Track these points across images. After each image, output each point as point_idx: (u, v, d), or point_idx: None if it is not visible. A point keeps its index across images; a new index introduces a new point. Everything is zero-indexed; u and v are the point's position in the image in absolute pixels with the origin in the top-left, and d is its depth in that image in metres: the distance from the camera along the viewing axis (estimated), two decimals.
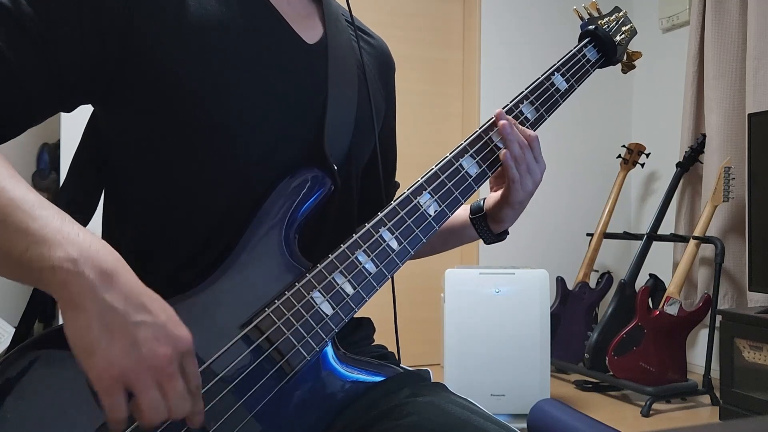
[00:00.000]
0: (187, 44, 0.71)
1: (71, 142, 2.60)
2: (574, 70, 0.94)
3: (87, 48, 0.67)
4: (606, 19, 0.99)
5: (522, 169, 0.84)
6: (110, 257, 0.57)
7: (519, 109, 0.88)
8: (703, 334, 3.00)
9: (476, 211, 0.93)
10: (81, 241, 0.56)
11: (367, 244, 0.74)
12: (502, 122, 0.83)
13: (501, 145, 0.85)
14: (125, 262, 0.59)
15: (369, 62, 0.89)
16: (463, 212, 0.95)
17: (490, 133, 0.85)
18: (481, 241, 0.95)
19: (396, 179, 1.03)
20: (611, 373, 2.60)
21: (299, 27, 0.80)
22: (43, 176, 3.10)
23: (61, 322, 0.59)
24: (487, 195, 0.94)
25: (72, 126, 2.56)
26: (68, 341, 0.56)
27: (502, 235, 0.95)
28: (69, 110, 0.73)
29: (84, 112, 0.77)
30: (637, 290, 2.69)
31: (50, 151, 3.15)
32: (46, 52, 0.65)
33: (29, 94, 0.66)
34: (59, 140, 2.68)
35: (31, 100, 0.67)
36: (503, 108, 0.87)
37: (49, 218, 0.56)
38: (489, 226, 0.93)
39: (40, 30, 0.65)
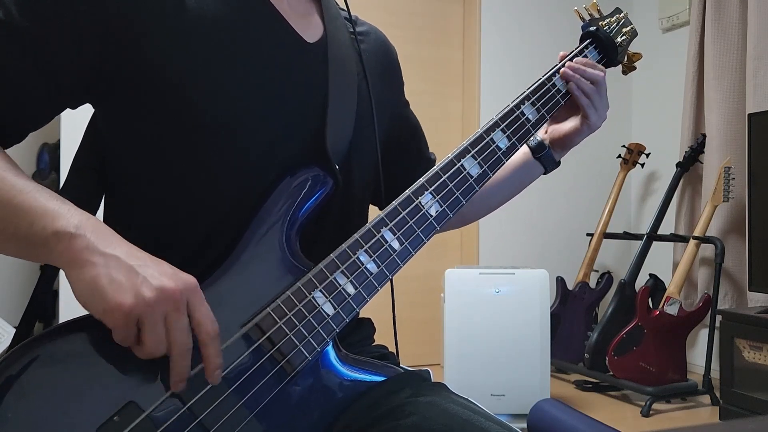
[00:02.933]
0: (186, 44, 0.71)
1: (71, 142, 2.60)
2: None
3: (84, 52, 0.68)
4: (607, 21, 0.99)
5: (595, 99, 0.94)
6: (106, 227, 0.63)
7: (521, 110, 0.88)
8: (703, 334, 3.00)
9: (539, 150, 1.01)
10: (80, 214, 0.62)
11: (368, 245, 0.74)
12: (563, 69, 0.93)
13: (502, 146, 0.85)
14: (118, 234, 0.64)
15: (369, 59, 0.89)
16: (521, 154, 1.02)
17: (492, 134, 0.85)
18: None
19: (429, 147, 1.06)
20: (611, 373, 2.60)
21: (299, 26, 0.80)
22: (43, 176, 3.10)
23: (61, 321, 0.60)
24: (549, 129, 1.02)
25: (72, 126, 2.56)
26: (78, 299, 0.60)
27: (559, 162, 1.04)
28: (74, 108, 0.74)
29: (84, 111, 0.77)
30: (637, 290, 2.69)
31: (50, 151, 3.15)
32: (42, 58, 0.66)
33: (28, 100, 0.67)
34: (59, 140, 2.68)
35: (31, 106, 0.68)
36: (505, 108, 0.87)
37: (49, 198, 0.63)
38: (554, 157, 1.02)
39: (35, 37, 0.66)
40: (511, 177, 1.03)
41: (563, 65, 0.94)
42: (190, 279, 0.62)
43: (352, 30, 0.89)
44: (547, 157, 1.01)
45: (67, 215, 0.61)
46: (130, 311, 0.58)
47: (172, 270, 0.62)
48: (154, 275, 0.60)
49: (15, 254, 0.65)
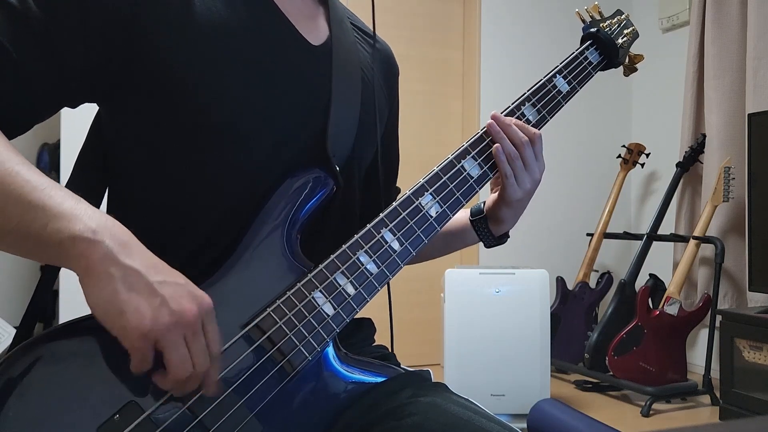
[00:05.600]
0: (191, 45, 0.71)
1: (71, 142, 2.60)
2: (576, 72, 0.94)
3: (92, 48, 0.67)
4: (608, 22, 0.99)
5: (517, 166, 0.83)
6: (124, 231, 0.62)
7: (521, 111, 0.88)
8: (703, 334, 3.00)
9: (476, 214, 0.93)
10: (98, 216, 0.60)
11: (368, 245, 0.74)
12: (489, 121, 0.83)
13: None
14: (136, 238, 0.62)
15: (373, 65, 0.89)
16: (463, 215, 0.95)
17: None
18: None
19: (397, 181, 1.03)
20: (611, 373, 2.60)
21: (304, 28, 0.80)
22: None
23: (61, 321, 0.60)
24: (488, 197, 0.94)
25: (72, 126, 2.56)
26: (93, 310, 0.58)
27: (502, 238, 0.94)
28: (74, 106, 0.73)
29: (85, 112, 0.77)
30: (637, 290, 2.69)
31: (50, 151, 3.15)
32: (52, 51, 0.66)
33: (34, 92, 0.67)
34: (59, 140, 2.68)
35: (36, 98, 0.67)
36: (505, 109, 0.87)
37: (64, 196, 0.60)
38: (489, 228, 0.92)
39: (45, 29, 0.65)
40: (442, 233, 0.91)
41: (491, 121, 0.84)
42: (205, 299, 0.62)
43: (357, 35, 0.89)
44: (481, 224, 0.92)
45: (84, 217, 0.59)
46: (148, 334, 0.57)
47: (188, 288, 0.61)
48: (173, 296, 0.59)
49: (25, 254, 0.62)
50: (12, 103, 0.66)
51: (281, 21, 0.78)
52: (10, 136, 0.69)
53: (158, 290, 0.58)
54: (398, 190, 1.01)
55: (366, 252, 0.74)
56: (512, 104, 0.88)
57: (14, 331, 0.75)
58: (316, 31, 0.82)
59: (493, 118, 0.84)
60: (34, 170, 0.62)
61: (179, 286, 0.60)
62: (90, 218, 0.59)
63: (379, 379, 0.75)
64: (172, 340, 0.58)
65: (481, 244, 0.95)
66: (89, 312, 0.60)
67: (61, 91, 0.69)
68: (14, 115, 0.67)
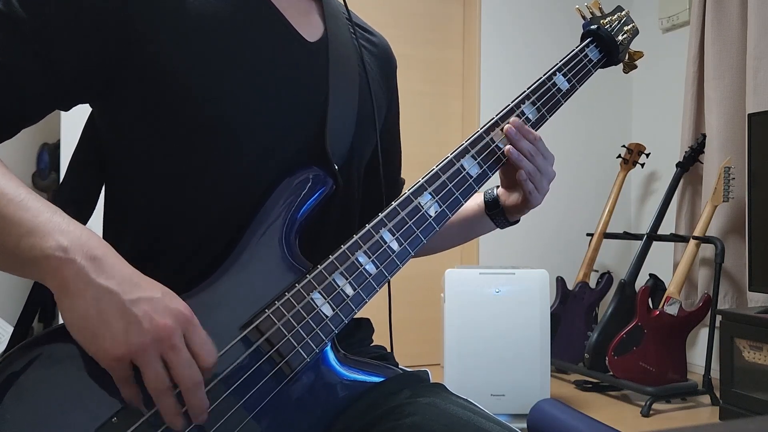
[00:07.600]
0: (186, 43, 0.70)
1: (71, 142, 2.58)
2: (576, 69, 0.94)
3: (85, 48, 0.67)
4: (608, 19, 0.99)
5: (536, 179, 0.87)
6: (99, 244, 0.60)
7: (521, 109, 0.87)
8: (703, 334, 3.00)
9: (492, 206, 0.96)
10: (71, 231, 0.59)
11: (367, 245, 0.74)
12: (507, 147, 0.85)
13: (502, 146, 0.85)
14: (114, 250, 0.61)
15: (370, 60, 0.89)
16: (475, 204, 0.97)
17: (491, 134, 0.85)
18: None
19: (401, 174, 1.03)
20: (611, 373, 2.60)
21: (299, 25, 0.80)
22: (43, 176, 3.10)
23: (61, 321, 0.59)
24: (498, 185, 0.96)
25: (72, 126, 2.55)
26: (68, 329, 0.58)
27: (517, 221, 0.98)
28: (66, 109, 0.73)
29: (84, 111, 0.77)
30: (637, 290, 2.69)
31: (50, 151, 3.15)
32: (43, 53, 0.65)
33: (26, 95, 0.66)
34: (59, 140, 2.67)
35: (28, 101, 0.67)
36: (505, 107, 0.87)
37: (39, 210, 0.59)
38: (506, 218, 0.96)
39: (36, 31, 0.65)
40: (459, 225, 0.98)
41: (506, 121, 0.86)
42: (183, 311, 0.61)
43: (353, 31, 0.89)
44: (498, 216, 0.97)
45: (56, 233, 0.58)
46: (121, 358, 0.57)
47: (164, 303, 0.60)
48: (147, 314, 0.58)
49: (1, 268, 0.61)
50: (2, 107, 0.66)
51: (276, 18, 0.78)
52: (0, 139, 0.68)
53: (131, 310, 0.57)
54: (403, 181, 1.02)
55: (365, 252, 0.73)
56: (512, 102, 0.88)
57: (11, 329, 0.74)
58: (311, 28, 0.81)
59: (507, 134, 0.85)
60: (13, 181, 0.61)
61: (155, 301, 0.59)
62: (63, 234, 0.58)
63: (378, 380, 0.75)
64: (146, 359, 0.58)
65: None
66: None
67: (52, 93, 0.68)
68: (4, 120, 0.67)
